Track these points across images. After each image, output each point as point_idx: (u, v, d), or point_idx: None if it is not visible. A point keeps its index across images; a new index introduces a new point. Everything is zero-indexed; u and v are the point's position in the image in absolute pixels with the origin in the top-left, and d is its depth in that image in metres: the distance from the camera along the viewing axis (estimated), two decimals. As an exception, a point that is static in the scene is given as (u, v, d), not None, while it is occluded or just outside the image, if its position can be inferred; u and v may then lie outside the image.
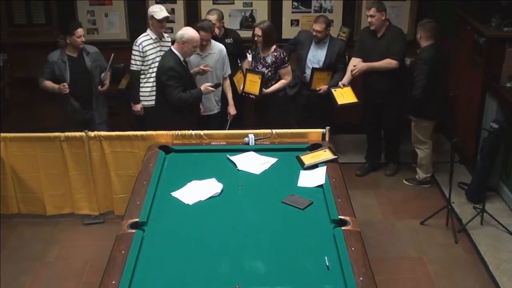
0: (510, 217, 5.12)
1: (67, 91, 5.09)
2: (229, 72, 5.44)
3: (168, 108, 4.90)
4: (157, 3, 6.25)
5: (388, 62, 5.43)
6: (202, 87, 4.96)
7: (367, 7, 5.54)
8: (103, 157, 4.79)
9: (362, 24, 6.40)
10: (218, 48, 5.30)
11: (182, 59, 4.91)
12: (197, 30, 5.02)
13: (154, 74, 5.40)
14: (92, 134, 4.73)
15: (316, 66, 5.67)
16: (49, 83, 5.18)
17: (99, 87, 5.31)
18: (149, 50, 5.33)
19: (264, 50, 5.39)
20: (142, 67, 5.37)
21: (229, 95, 5.45)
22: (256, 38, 5.41)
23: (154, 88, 5.43)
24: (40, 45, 6.35)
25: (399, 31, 5.60)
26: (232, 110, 5.43)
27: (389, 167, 5.95)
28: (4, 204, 4.93)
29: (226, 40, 5.68)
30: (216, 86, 5.04)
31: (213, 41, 5.27)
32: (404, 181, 5.75)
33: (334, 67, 5.66)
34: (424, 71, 5.18)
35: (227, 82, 5.46)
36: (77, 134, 4.76)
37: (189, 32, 4.86)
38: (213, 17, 5.49)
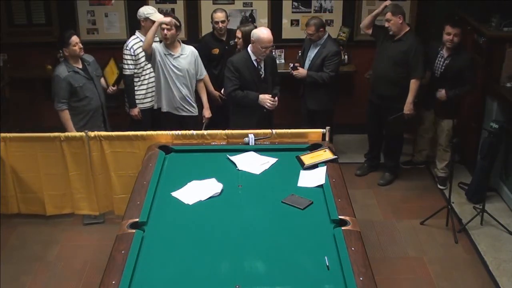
0: (510, 217, 5.12)
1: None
2: (204, 73, 5.38)
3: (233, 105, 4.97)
4: (157, 3, 6.26)
5: (416, 87, 5.32)
6: (261, 96, 4.85)
7: (385, 11, 5.36)
8: (103, 157, 4.79)
9: (362, 24, 6.43)
10: (189, 49, 5.22)
11: (253, 58, 4.83)
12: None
13: (147, 77, 5.39)
14: (92, 134, 4.73)
15: (308, 64, 5.62)
16: (68, 120, 4.90)
17: (110, 88, 5.22)
18: (140, 52, 5.27)
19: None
20: (135, 70, 5.34)
21: (204, 98, 5.41)
22: (236, 40, 5.36)
23: (149, 90, 5.42)
24: (40, 45, 6.37)
25: (417, 42, 5.34)
26: (207, 113, 5.41)
27: (384, 176, 5.81)
28: (4, 204, 4.92)
29: (230, 41, 5.70)
30: (273, 96, 4.91)
31: (183, 44, 5.21)
32: (439, 186, 5.67)
33: (319, 70, 5.53)
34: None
35: (201, 84, 5.39)
36: (77, 134, 4.76)
37: (258, 32, 4.75)
38: (221, 15, 5.57)
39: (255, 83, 4.87)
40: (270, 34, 4.77)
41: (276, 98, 4.94)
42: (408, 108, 5.37)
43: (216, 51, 5.67)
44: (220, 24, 5.59)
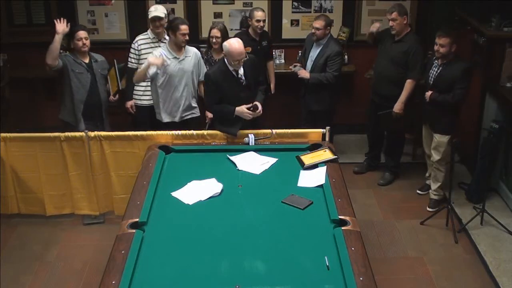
0: (510, 217, 5.12)
1: (65, 27, 4.84)
2: None
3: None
4: (157, 3, 6.25)
5: (411, 87, 5.30)
6: (238, 109, 4.58)
7: (388, 11, 5.33)
8: (103, 157, 4.79)
9: (362, 24, 6.41)
10: (193, 51, 5.16)
11: (231, 68, 4.58)
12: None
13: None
14: (92, 134, 4.73)
15: (310, 65, 5.63)
16: (54, 41, 4.80)
17: (111, 97, 5.22)
18: (144, 49, 5.30)
19: (219, 53, 5.14)
20: (138, 65, 5.35)
21: None
22: (214, 40, 5.35)
23: (148, 88, 5.41)
24: (40, 45, 6.34)
25: (418, 43, 5.34)
26: (210, 113, 5.31)
27: (384, 176, 5.80)
28: (4, 204, 4.93)
29: (262, 42, 5.75)
30: (253, 109, 4.65)
31: (186, 46, 5.13)
32: (428, 208, 5.31)
33: (322, 70, 5.52)
34: None
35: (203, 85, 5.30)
36: (77, 134, 4.76)
37: (227, 46, 4.51)
38: (263, 14, 5.59)
39: (235, 94, 4.64)
40: (240, 46, 4.53)
41: (259, 107, 4.66)
42: (398, 107, 5.36)
43: (248, 49, 5.61)
44: (262, 23, 5.60)
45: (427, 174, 5.58)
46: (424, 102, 5.15)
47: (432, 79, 5.07)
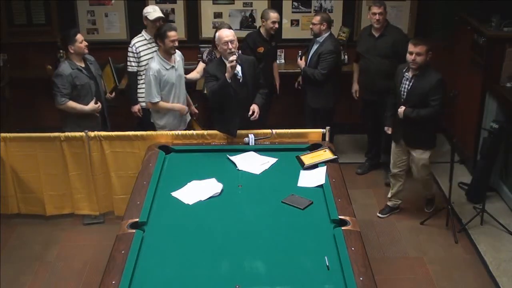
0: (510, 217, 5.12)
1: (100, 108, 4.93)
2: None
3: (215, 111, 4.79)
4: (157, 3, 6.25)
5: None
6: (227, 73, 4.46)
7: (375, 5, 5.35)
8: (103, 157, 4.79)
9: (362, 24, 6.41)
10: (178, 53, 5.12)
11: (227, 63, 4.51)
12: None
13: None
14: (92, 134, 4.73)
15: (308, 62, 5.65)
16: (76, 105, 4.81)
17: (108, 94, 5.21)
18: (143, 51, 5.28)
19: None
20: (138, 68, 5.35)
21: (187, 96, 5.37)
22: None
23: None
24: (40, 45, 6.38)
25: (402, 33, 5.53)
26: (192, 108, 5.39)
27: (388, 175, 5.68)
28: (4, 204, 4.93)
29: (272, 42, 5.76)
30: (252, 113, 4.57)
31: None
32: (426, 210, 5.25)
33: (315, 67, 5.53)
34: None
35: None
36: (77, 134, 4.76)
37: (217, 33, 4.65)
38: (278, 15, 5.61)
39: (232, 88, 4.59)
40: (226, 30, 4.58)
41: (256, 109, 4.58)
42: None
43: (261, 49, 5.65)
44: (277, 24, 5.62)
45: (389, 195, 5.22)
46: (397, 119, 4.87)
47: (405, 93, 4.75)
